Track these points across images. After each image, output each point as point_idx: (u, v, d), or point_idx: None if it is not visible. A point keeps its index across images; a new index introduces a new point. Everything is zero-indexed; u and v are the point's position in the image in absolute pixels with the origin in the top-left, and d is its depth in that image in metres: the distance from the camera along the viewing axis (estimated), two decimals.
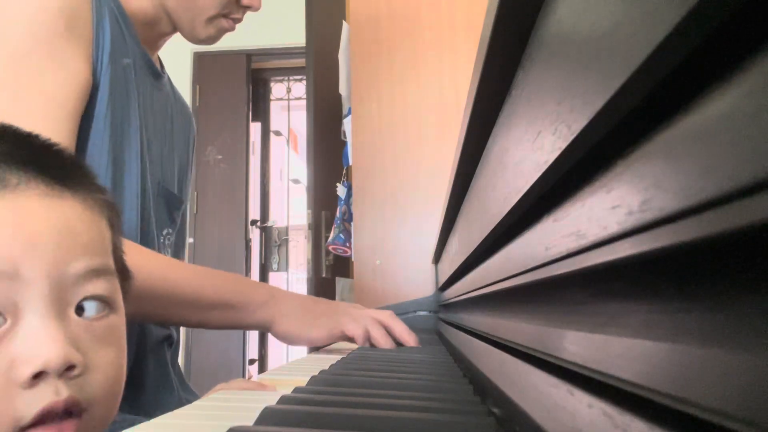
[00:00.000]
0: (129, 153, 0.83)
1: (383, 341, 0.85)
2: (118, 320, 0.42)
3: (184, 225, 1.05)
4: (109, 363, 0.39)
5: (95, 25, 0.78)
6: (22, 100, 0.71)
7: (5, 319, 0.36)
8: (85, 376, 0.37)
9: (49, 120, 0.69)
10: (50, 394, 0.35)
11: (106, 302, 0.40)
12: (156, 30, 0.91)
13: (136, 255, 0.74)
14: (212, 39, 0.92)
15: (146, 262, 0.74)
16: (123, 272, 0.45)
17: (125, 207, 0.82)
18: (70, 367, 0.36)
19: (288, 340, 0.86)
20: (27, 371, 0.34)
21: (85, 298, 0.39)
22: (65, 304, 0.38)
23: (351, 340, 0.88)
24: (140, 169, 0.84)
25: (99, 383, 0.38)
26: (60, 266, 0.37)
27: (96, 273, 0.39)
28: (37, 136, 0.44)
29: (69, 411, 0.36)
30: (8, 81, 0.71)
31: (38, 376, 0.35)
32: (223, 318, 0.82)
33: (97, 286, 0.39)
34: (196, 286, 0.79)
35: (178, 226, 1.01)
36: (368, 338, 0.86)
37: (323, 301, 0.92)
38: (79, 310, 0.39)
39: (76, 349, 0.37)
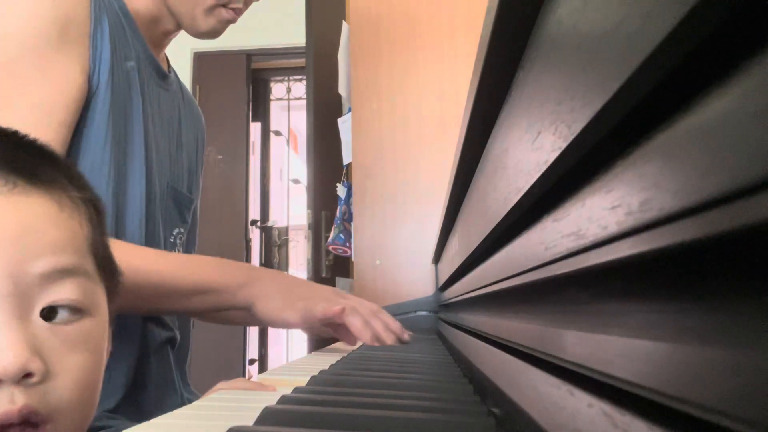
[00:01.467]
0: (132, 157, 0.83)
1: (361, 330, 0.83)
2: (93, 324, 0.39)
3: (195, 222, 1.05)
4: (78, 370, 0.37)
5: (93, 30, 0.78)
6: (8, 108, 0.70)
7: None
8: (48, 383, 0.35)
9: (35, 129, 0.68)
10: (4, 403, 0.33)
11: (77, 307, 0.38)
12: (160, 28, 0.91)
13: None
14: (215, 32, 0.91)
15: (122, 255, 0.74)
16: (108, 270, 0.43)
17: (129, 210, 0.82)
18: (28, 375, 0.34)
19: (266, 321, 0.84)
20: None
21: (54, 303, 0.37)
22: (28, 305, 0.36)
23: (328, 328, 0.86)
24: (145, 172, 0.84)
25: (65, 391, 0.36)
26: (21, 265, 0.35)
27: (64, 273, 0.37)
28: (15, 133, 0.42)
29: (29, 421, 0.34)
30: None
31: None
32: (204, 303, 0.81)
33: (66, 289, 0.37)
34: (176, 274, 0.78)
35: (189, 225, 1.01)
36: (344, 316, 0.83)
37: (306, 284, 0.90)
38: (48, 314, 0.37)
39: (38, 355, 0.35)
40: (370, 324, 0.85)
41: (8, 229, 0.36)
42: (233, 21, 0.92)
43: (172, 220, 0.95)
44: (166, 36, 0.94)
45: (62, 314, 0.37)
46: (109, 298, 0.43)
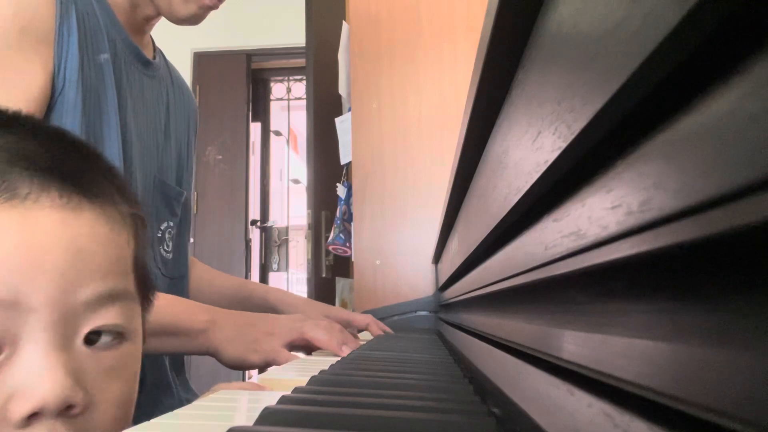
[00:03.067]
0: (109, 154, 0.80)
1: (327, 342, 0.81)
2: (132, 348, 0.38)
3: (188, 214, 1.03)
4: (117, 398, 0.36)
5: (58, 26, 0.75)
6: None
7: (1, 351, 0.32)
8: (87, 414, 0.34)
9: None
10: None
11: (119, 331, 0.36)
12: (139, 14, 0.89)
13: None
14: (196, 17, 0.88)
15: None
16: (144, 286, 0.42)
17: None
18: (70, 407, 0.32)
19: (233, 366, 0.82)
20: (21, 410, 0.31)
21: (98, 328, 0.35)
22: (72, 333, 0.34)
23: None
24: (123, 168, 0.82)
25: (104, 422, 0.35)
26: (68, 292, 0.34)
27: (110, 298, 0.36)
28: (62, 133, 0.40)
29: None
30: None
31: (34, 416, 0.31)
32: (163, 345, 0.78)
33: (110, 314, 0.36)
34: None
35: (180, 217, 0.99)
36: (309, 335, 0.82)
37: (267, 319, 0.86)
38: (90, 337, 0.35)
39: (79, 385, 0.33)
40: (332, 333, 0.83)
41: (54, 253, 0.34)
42: (215, 7, 0.89)
43: (161, 214, 0.93)
44: (147, 21, 0.91)
45: (105, 339, 0.36)
46: (143, 313, 0.42)
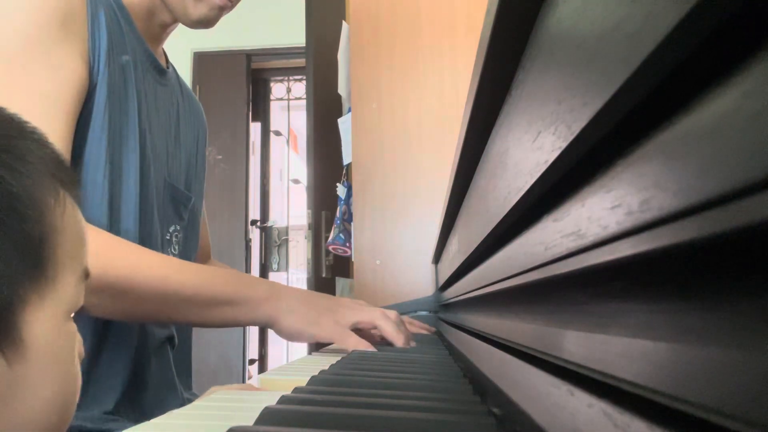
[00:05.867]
0: (127, 153, 0.82)
1: (394, 335, 0.84)
2: None
3: (195, 220, 1.04)
4: None
5: (90, 22, 0.78)
6: (15, 101, 0.69)
7: None
8: None
9: (44, 121, 0.67)
10: None
11: None
12: (156, 21, 0.90)
13: (135, 255, 0.74)
14: (208, 20, 0.89)
15: (145, 262, 0.74)
16: None
17: (124, 208, 0.81)
18: None
19: (292, 337, 0.83)
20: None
21: None
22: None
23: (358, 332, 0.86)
24: (140, 168, 0.83)
25: None
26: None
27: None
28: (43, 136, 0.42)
29: None
30: (0, 83, 0.70)
31: None
32: (224, 316, 0.79)
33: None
34: (195, 284, 0.77)
35: (187, 222, 1.00)
36: (376, 321, 0.84)
37: (327, 297, 0.89)
38: None
39: None
40: (380, 328, 0.86)
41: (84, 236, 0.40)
42: (226, 8, 0.89)
43: (168, 217, 0.94)
44: (164, 29, 0.93)
45: None
46: None
